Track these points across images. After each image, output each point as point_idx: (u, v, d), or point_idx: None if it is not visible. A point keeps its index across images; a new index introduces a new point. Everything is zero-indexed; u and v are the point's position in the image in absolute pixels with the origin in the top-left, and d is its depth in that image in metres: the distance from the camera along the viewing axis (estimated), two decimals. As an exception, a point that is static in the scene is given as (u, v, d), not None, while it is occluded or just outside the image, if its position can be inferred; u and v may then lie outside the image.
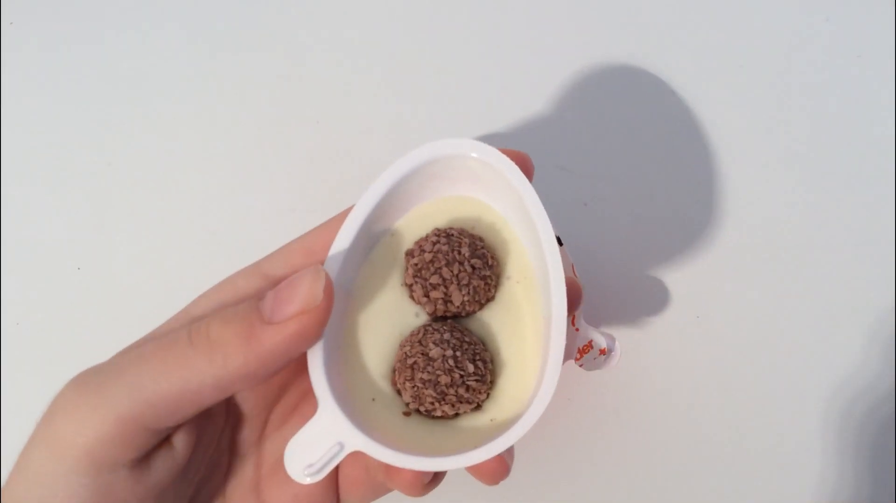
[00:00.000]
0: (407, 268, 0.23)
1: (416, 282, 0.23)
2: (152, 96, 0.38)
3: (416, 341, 0.22)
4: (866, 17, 0.40)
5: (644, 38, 0.39)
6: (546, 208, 0.23)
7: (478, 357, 0.22)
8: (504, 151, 0.22)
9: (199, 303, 0.22)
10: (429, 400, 0.22)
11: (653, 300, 0.34)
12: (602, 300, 0.34)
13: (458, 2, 0.40)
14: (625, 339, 0.30)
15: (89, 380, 0.19)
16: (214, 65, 0.38)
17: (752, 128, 0.38)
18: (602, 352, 0.29)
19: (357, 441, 0.20)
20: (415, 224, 0.24)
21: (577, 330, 0.28)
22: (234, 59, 0.38)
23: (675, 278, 0.35)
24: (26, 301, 0.35)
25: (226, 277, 0.23)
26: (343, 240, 0.22)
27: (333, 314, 0.20)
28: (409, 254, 0.23)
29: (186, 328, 0.20)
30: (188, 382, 0.19)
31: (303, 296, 0.19)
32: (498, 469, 0.21)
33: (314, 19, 0.39)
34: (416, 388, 0.22)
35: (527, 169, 0.22)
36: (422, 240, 0.23)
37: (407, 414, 0.23)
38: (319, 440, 0.20)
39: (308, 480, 0.20)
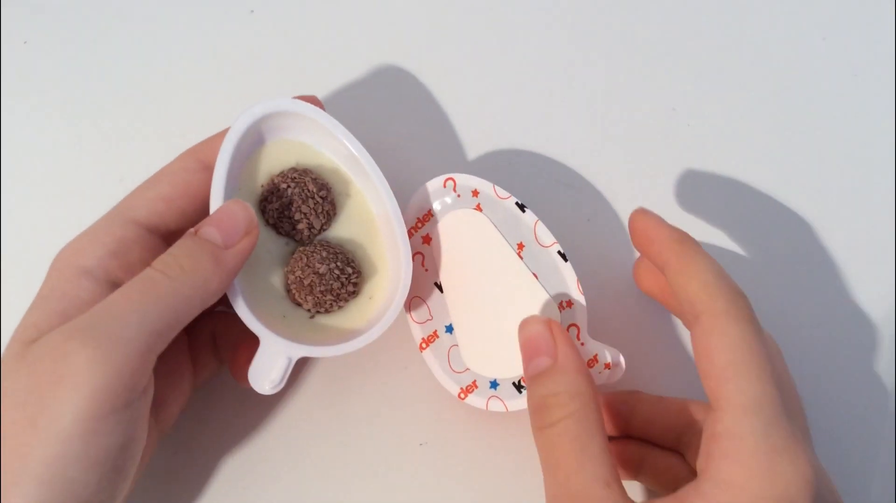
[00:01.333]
0: (268, 213, 0.29)
1: (283, 222, 0.29)
2: (166, 111, 0.38)
3: (302, 265, 0.28)
4: (863, 35, 0.40)
5: (644, 57, 0.40)
6: (549, 224, 0.31)
7: (349, 259, 0.29)
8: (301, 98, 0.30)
9: (137, 196, 0.27)
10: (328, 302, 0.29)
11: (655, 314, 0.35)
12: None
13: (463, 14, 0.40)
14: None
15: (93, 335, 0.22)
16: (229, 80, 0.39)
17: (749, 144, 0.38)
18: (607, 366, 0.29)
19: (298, 351, 0.27)
20: (254, 175, 0.30)
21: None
22: (248, 78, 0.39)
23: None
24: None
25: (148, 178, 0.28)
26: (216, 194, 0.27)
27: None
28: (265, 200, 0.29)
29: (151, 268, 0.24)
30: (183, 307, 0.24)
31: (245, 221, 0.26)
32: (232, 207, 0.27)
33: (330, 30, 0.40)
34: (316, 298, 0.29)
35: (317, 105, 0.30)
36: (270, 186, 0.29)
37: (312, 317, 0.30)
38: (273, 361, 0.27)
39: (274, 391, 0.27)
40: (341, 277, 0.29)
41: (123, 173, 0.37)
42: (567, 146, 0.38)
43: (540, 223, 0.30)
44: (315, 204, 0.29)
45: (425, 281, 0.32)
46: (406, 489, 0.32)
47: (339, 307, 0.30)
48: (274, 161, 0.30)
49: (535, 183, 0.37)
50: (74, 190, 0.37)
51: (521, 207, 0.31)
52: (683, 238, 0.26)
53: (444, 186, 0.31)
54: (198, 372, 0.30)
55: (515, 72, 0.39)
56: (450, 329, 0.31)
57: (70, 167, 0.37)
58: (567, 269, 0.30)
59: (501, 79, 0.39)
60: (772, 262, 0.36)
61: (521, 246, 0.31)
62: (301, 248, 0.29)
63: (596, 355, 0.29)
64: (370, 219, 0.31)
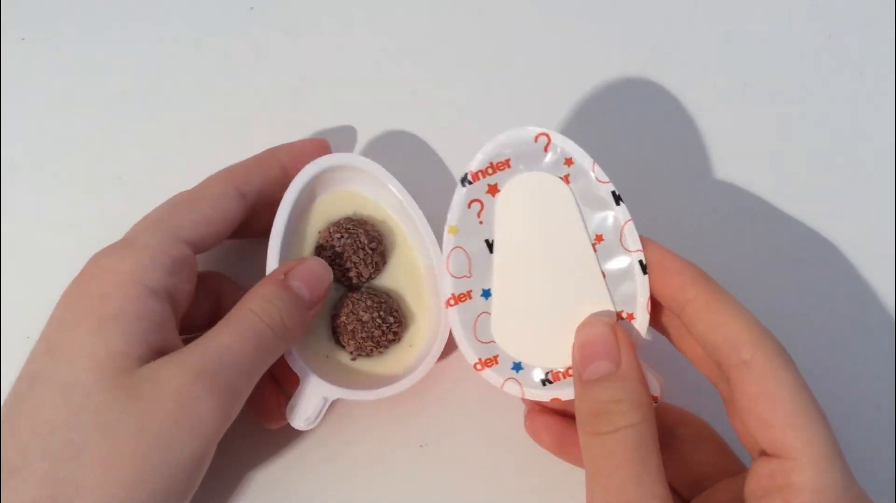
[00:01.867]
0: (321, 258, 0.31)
1: (334, 268, 0.31)
2: (164, 109, 0.38)
3: (347, 312, 0.30)
4: (869, 34, 0.40)
5: (648, 58, 0.39)
6: None
7: (393, 309, 0.31)
8: (306, 140, 0.34)
9: (182, 216, 0.28)
10: (369, 348, 0.31)
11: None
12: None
13: (462, 10, 0.40)
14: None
15: (218, 383, 0.24)
16: (225, 74, 0.39)
17: (755, 144, 0.38)
18: (655, 398, 0.27)
19: (334, 392, 0.29)
20: (318, 219, 0.32)
21: None
22: (248, 76, 0.39)
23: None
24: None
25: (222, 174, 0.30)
26: (275, 240, 0.30)
27: None
28: (321, 248, 0.31)
29: (260, 319, 0.26)
30: (275, 359, 0.27)
31: (327, 282, 0.29)
32: (315, 267, 0.29)
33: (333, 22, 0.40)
34: (358, 342, 0.30)
35: (322, 148, 0.33)
36: (328, 236, 0.31)
37: (353, 359, 0.31)
38: (309, 399, 0.29)
39: (308, 428, 0.29)
40: (383, 326, 0.30)
41: (121, 171, 0.37)
42: (579, 113, 0.38)
43: (631, 224, 0.27)
44: (365, 255, 0.31)
45: (475, 233, 0.28)
46: (406, 491, 0.31)
47: (380, 352, 0.31)
48: (331, 210, 0.32)
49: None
50: (72, 187, 0.37)
51: (617, 199, 0.28)
52: (707, 275, 0.25)
53: (536, 142, 0.27)
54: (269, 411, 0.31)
55: (514, 71, 0.39)
56: (486, 294, 0.28)
57: (68, 164, 0.37)
58: (642, 282, 0.27)
59: (500, 77, 0.39)
60: (774, 262, 0.36)
61: (599, 238, 0.28)
62: (349, 295, 0.31)
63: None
64: (416, 269, 0.33)
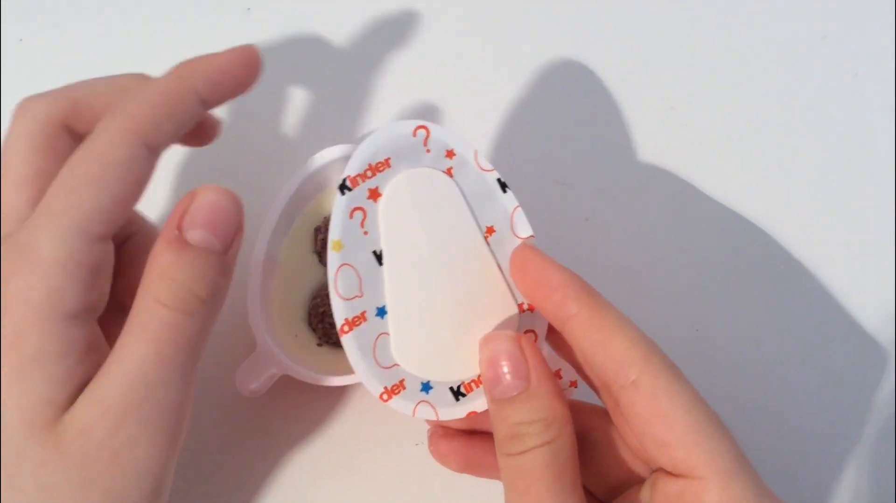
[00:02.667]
0: (317, 241, 0.32)
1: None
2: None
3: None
4: (863, 35, 0.40)
5: (642, 55, 0.40)
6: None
7: None
8: (227, 51, 0.24)
9: (86, 199, 0.21)
10: (335, 335, 0.29)
11: (652, 314, 0.35)
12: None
13: (458, 7, 0.40)
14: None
15: (148, 414, 0.21)
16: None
17: (750, 144, 0.38)
18: (573, 384, 0.26)
19: (284, 368, 0.28)
20: (322, 205, 0.32)
21: None
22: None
23: (675, 291, 0.35)
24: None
25: None
26: (270, 220, 0.30)
27: (264, 275, 0.29)
28: (317, 230, 0.32)
29: (166, 307, 0.21)
30: (205, 340, 0.22)
31: (237, 215, 0.22)
32: (216, 199, 0.23)
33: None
34: (325, 328, 0.30)
35: (251, 61, 0.24)
36: (326, 219, 0.31)
37: (319, 345, 0.31)
38: (260, 368, 0.28)
39: (252, 396, 0.28)
40: None
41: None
42: (564, 144, 0.38)
43: (520, 210, 0.26)
44: None
45: (361, 245, 0.25)
46: (401, 489, 0.32)
47: None
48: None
49: (532, 181, 0.37)
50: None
51: (503, 186, 0.26)
52: (590, 287, 0.23)
53: (414, 135, 0.25)
54: None
55: (511, 68, 0.39)
56: (382, 312, 0.25)
57: (65, 165, 0.37)
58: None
59: (498, 76, 0.39)
60: (771, 262, 0.36)
61: (490, 230, 0.26)
62: None
63: (559, 371, 0.26)
64: None
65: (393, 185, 0.25)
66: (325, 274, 0.26)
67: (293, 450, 0.32)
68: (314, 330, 0.31)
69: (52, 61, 0.39)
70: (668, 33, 0.40)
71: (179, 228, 0.21)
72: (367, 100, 0.38)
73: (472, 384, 0.26)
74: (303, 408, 0.32)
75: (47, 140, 0.23)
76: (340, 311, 0.24)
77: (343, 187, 0.24)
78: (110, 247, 0.22)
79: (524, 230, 0.26)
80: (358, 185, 0.25)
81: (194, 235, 0.21)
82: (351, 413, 0.32)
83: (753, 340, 0.35)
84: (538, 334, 0.26)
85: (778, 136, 0.38)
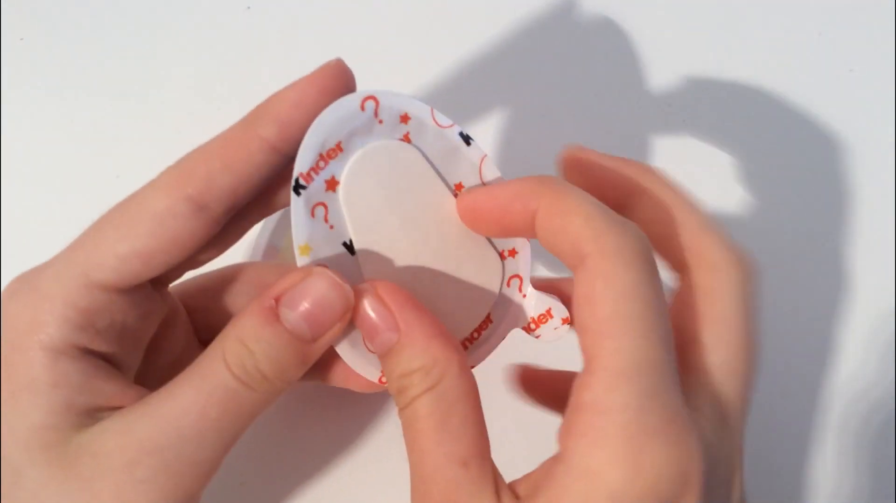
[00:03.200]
0: None
1: None
2: (162, 108, 0.38)
3: None
4: (858, 31, 0.41)
5: (637, 53, 0.40)
6: None
7: None
8: (303, 81, 0.23)
9: (103, 249, 0.21)
10: None
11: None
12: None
13: (457, 7, 0.41)
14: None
15: (168, 463, 0.20)
16: (223, 76, 0.39)
17: (744, 140, 0.38)
18: (565, 321, 0.25)
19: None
20: None
21: (525, 296, 0.25)
22: (245, 75, 0.39)
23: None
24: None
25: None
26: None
27: (265, 261, 0.27)
28: None
29: (229, 371, 0.20)
30: (255, 418, 0.21)
31: (341, 308, 0.20)
32: (324, 289, 0.21)
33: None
34: None
35: (334, 81, 0.22)
36: None
37: None
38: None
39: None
40: None
41: (120, 170, 0.37)
42: (560, 141, 0.38)
43: (488, 159, 0.24)
44: None
45: (330, 241, 0.23)
46: (401, 484, 0.32)
47: None
48: None
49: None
50: (71, 187, 0.37)
51: (466, 140, 0.24)
52: (550, 177, 0.20)
53: (363, 109, 0.23)
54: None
55: (508, 66, 0.39)
56: None
57: (67, 164, 0.37)
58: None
59: (496, 75, 0.39)
60: (767, 261, 0.36)
61: (459, 187, 0.24)
62: None
63: (549, 309, 0.24)
64: None
65: (348, 170, 0.23)
66: None
67: (292, 445, 0.32)
68: None
69: (53, 60, 0.39)
70: (663, 29, 0.40)
71: (277, 301, 0.20)
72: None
73: (466, 343, 0.25)
74: (299, 401, 0.33)
75: None
76: (521, 311, 0.25)
77: (297, 187, 0.22)
78: (119, 298, 0.20)
79: (492, 174, 0.24)
80: (312, 179, 0.22)
81: (288, 315, 0.20)
82: (349, 408, 0.33)
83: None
84: (522, 277, 0.25)
85: (773, 133, 0.38)
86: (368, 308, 0.20)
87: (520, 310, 0.25)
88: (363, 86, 0.39)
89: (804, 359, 0.35)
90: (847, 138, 0.38)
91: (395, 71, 0.39)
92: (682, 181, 0.37)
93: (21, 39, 0.39)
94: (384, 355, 0.21)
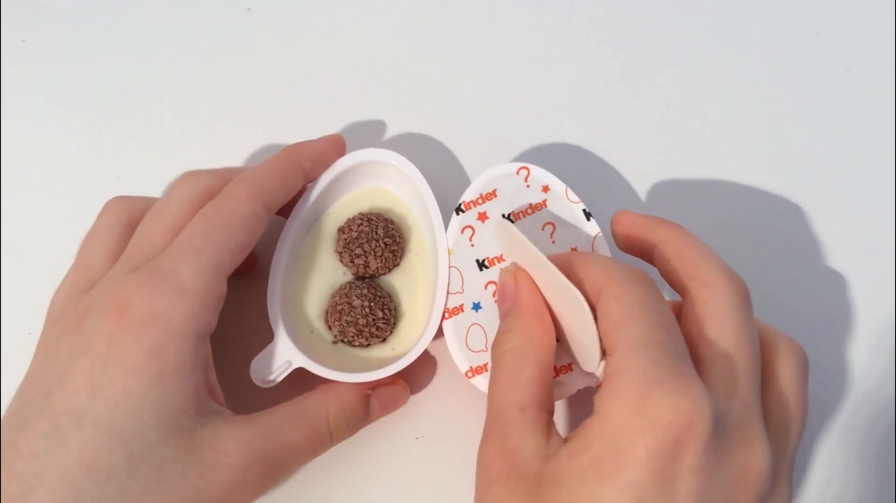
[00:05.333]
0: (339, 241, 0.33)
1: (345, 252, 0.32)
2: (163, 109, 0.38)
3: (343, 293, 0.31)
4: (856, 32, 0.41)
5: (637, 53, 0.40)
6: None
7: (385, 306, 0.32)
8: (324, 139, 0.32)
9: (219, 245, 0.27)
10: (350, 334, 0.31)
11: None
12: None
13: (460, 10, 0.41)
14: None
15: (273, 469, 0.27)
16: (223, 76, 0.39)
17: (743, 141, 0.38)
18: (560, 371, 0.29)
19: (299, 360, 0.29)
20: (346, 207, 0.34)
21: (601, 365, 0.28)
22: (245, 76, 0.39)
23: (674, 293, 0.36)
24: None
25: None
26: (296, 217, 0.32)
27: (285, 270, 0.31)
28: (341, 230, 0.33)
29: (325, 425, 0.28)
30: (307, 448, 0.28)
31: (399, 404, 0.32)
32: (400, 392, 0.31)
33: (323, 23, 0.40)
34: (342, 326, 0.31)
35: (340, 147, 0.32)
36: (350, 220, 0.32)
37: (335, 343, 0.32)
38: (274, 360, 0.30)
39: (265, 386, 0.29)
40: (369, 316, 0.31)
41: (120, 171, 0.37)
42: (560, 143, 0.38)
43: (601, 236, 0.31)
44: (377, 246, 0.32)
45: (468, 255, 0.31)
46: (401, 483, 0.32)
47: (361, 344, 0.32)
48: (370, 202, 0.34)
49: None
50: (72, 187, 0.37)
51: (588, 215, 0.31)
52: (570, 255, 0.28)
53: (517, 174, 0.32)
54: None
55: (509, 68, 0.40)
56: (477, 307, 0.31)
57: (68, 164, 0.37)
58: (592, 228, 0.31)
59: (496, 77, 0.39)
60: (766, 260, 0.36)
61: (574, 250, 0.31)
62: (352, 281, 0.32)
63: (572, 364, 0.29)
64: (426, 282, 0.33)
65: (496, 212, 0.32)
66: (343, 273, 0.33)
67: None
68: (330, 327, 0.32)
69: (54, 62, 0.39)
70: (662, 30, 0.41)
71: (372, 391, 0.30)
72: (369, 100, 0.39)
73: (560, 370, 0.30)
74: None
75: (199, 205, 0.28)
76: (445, 302, 0.31)
77: (458, 209, 0.32)
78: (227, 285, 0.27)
79: (604, 253, 0.31)
80: (470, 208, 0.32)
81: (374, 402, 0.30)
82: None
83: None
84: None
85: (771, 133, 0.39)
86: (504, 283, 0.29)
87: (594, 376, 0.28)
88: (364, 86, 0.40)
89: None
90: (844, 139, 0.38)
91: (395, 72, 0.39)
92: (679, 181, 0.37)
93: (23, 41, 0.40)
94: (502, 315, 0.29)
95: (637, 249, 0.29)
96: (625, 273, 0.25)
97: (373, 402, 0.30)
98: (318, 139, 0.32)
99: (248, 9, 0.41)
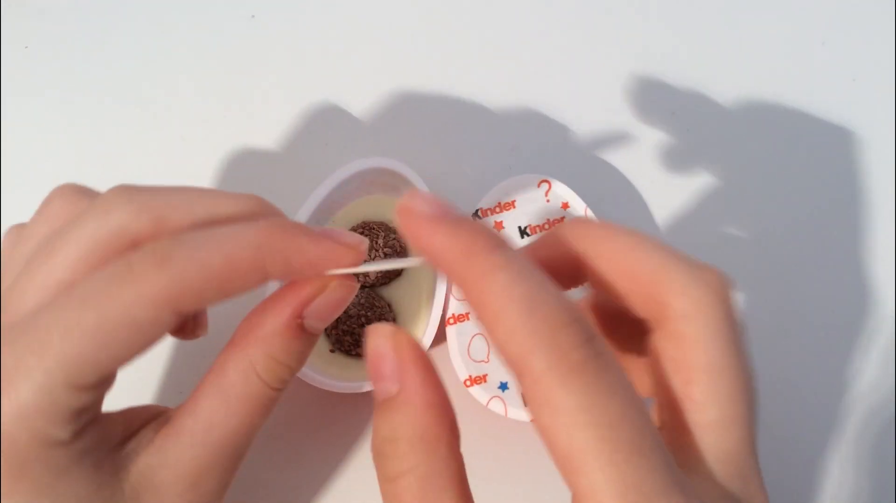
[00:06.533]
0: None
1: None
2: (167, 116, 0.38)
3: None
4: (861, 40, 0.41)
5: (643, 62, 0.40)
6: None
7: (383, 316, 0.31)
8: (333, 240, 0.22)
9: (78, 355, 0.19)
10: (347, 343, 0.31)
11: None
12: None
13: (462, 20, 0.41)
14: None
15: None
16: (225, 83, 0.39)
17: (748, 149, 0.38)
18: None
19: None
20: (350, 214, 0.33)
21: None
22: (249, 83, 0.39)
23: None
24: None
25: None
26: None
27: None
28: None
29: (261, 385, 0.21)
30: None
31: (342, 307, 0.22)
32: (338, 292, 0.22)
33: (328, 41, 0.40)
34: (338, 334, 0.31)
35: (356, 255, 0.22)
36: (351, 229, 0.32)
37: (332, 351, 0.32)
38: None
39: None
40: (366, 325, 0.30)
41: (124, 179, 0.37)
42: (565, 150, 0.38)
43: None
44: (376, 256, 0.32)
45: None
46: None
47: (358, 354, 0.31)
48: (375, 210, 0.33)
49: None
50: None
51: None
52: (469, 250, 0.17)
53: (538, 187, 0.32)
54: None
55: (514, 74, 0.39)
56: None
57: (71, 171, 0.37)
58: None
59: (497, 81, 0.39)
60: (771, 268, 0.36)
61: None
62: None
63: None
64: (428, 293, 0.32)
65: (513, 223, 0.31)
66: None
67: (299, 452, 0.32)
68: (328, 335, 0.32)
69: (57, 68, 0.39)
70: (668, 39, 0.41)
71: (301, 316, 0.21)
72: (373, 108, 0.39)
73: None
74: (311, 412, 0.32)
75: (104, 254, 0.20)
76: (450, 309, 0.31)
77: (475, 216, 0.31)
78: (97, 392, 0.20)
79: None
80: (487, 216, 0.31)
81: (311, 324, 0.21)
82: (357, 419, 0.33)
83: (754, 342, 0.35)
84: None
85: (777, 141, 0.39)
86: (379, 350, 0.19)
87: None
88: (368, 93, 0.40)
89: (804, 359, 0.35)
90: (850, 146, 0.38)
91: (399, 79, 0.39)
92: (684, 189, 0.37)
93: (25, 47, 0.40)
94: (378, 405, 0.19)
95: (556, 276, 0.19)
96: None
97: (310, 325, 0.21)
98: (324, 238, 0.20)
99: (252, 15, 0.41)
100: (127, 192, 0.21)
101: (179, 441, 0.21)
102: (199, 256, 0.19)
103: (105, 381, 0.20)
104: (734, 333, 0.19)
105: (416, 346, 0.19)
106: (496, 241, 0.17)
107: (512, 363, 0.16)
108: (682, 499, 0.15)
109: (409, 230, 0.18)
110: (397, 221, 0.18)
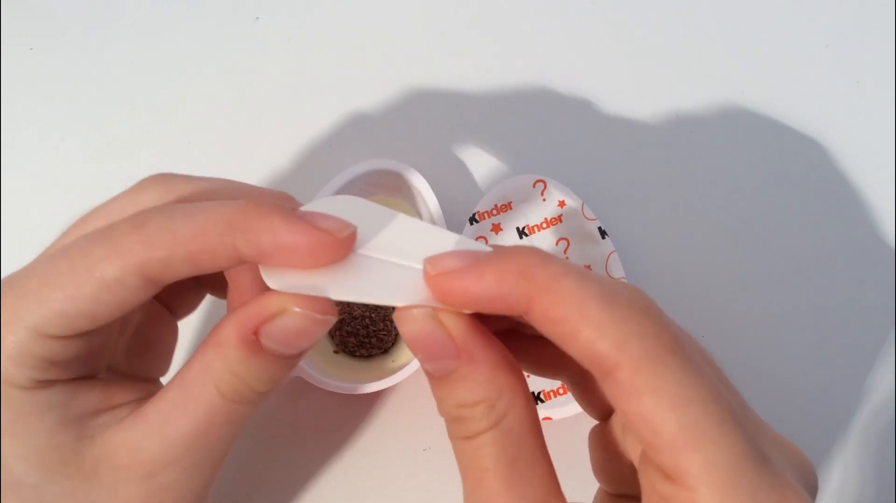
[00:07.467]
0: None
1: None
2: (172, 118, 0.38)
3: (345, 304, 0.31)
4: (865, 43, 0.41)
5: (647, 65, 0.40)
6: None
7: (387, 318, 0.31)
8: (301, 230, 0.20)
9: (46, 308, 0.19)
10: (351, 344, 0.31)
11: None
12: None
13: (466, 22, 0.41)
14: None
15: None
16: (227, 81, 0.39)
17: (752, 152, 0.38)
18: None
19: (297, 369, 0.28)
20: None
21: None
22: (253, 85, 0.39)
23: (680, 298, 0.36)
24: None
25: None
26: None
27: None
28: None
29: (220, 398, 0.20)
30: None
31: (311, 335, 0.20)
32: (297, 320, 0.20)
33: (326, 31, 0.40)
34: (343, 335, 0.31)
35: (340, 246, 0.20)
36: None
37: (336, 352, 0.32)
38: None
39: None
40: (370, 327, 0.31)
41: (128, 181, 0.37)
42: (570, 155, 0.38)
43: (615, 255, 0.30)
44: None
45: None
46: (409, 494, 0.32)
47: (362, 355, 0.32)
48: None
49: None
50: (78, 196, 0.37)
51: (603, 233, 0.31)
52: (531, 262, 0.17)
53: (534, 187, 0.31)
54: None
55: (514, 78, 0.40)
56: None
57: (75, 173, 0.37)
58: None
59: (499, 85, 0.39)
60: (774, 270, 0.36)
61: (588, 267, 0.30)
62: None
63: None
64: None
65: (510, 224, 0.31)
66: None
67: (303, 453, 0.32)
68: (331, 337, 0.32)
69: (62, 71, 0.39)
70: (673, 43, 0.41)
71: (256, 334, 0.19)
72: (378, 111, 0.39)
73: (551, 393, 0.29)
74: (314, 412, 0.33)
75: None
76: None
77: (472, 219, 0.31)
78: (73, 339, 0.20)
79: (618, 272, 0.30)
80: (485, 219, 0.31)
81: (269, 344, 0.19)
82: (361, 419, 0.33)
83: (756, 344, 0.35)
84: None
85: (781, 144, 0.39)
86: (425, 332, 0.18)
87: None
88: (373, 96, 0.40)
89: (805, 360, 0.35)
90: (854, 149, 0.38)
91: (404, 82, 0.39)
92: (689, 192, 0.37)
93: (30, 49, 0.40)
94: (441, 380, 0.19)
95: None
96: (644, 340, 0.16)
97: (269, 346, 0.19)
98: (299, 221, 0.19)
99: (257, 18, 0.41)
100: (164, 177, 0.22)
101: (140, 426, 0.20)
102: (171, 225, 0.19)
103: (76, 338, 0.19)
104: (678, 358, 0.17)
105: (459, 317, 0.18)
106: (542, 253, 0.17)
107: (602, 360, 0.16)
108: (767, 464, 0.16)
109: (454, 290, 0.17)
110: (436, 293, 0.18)
